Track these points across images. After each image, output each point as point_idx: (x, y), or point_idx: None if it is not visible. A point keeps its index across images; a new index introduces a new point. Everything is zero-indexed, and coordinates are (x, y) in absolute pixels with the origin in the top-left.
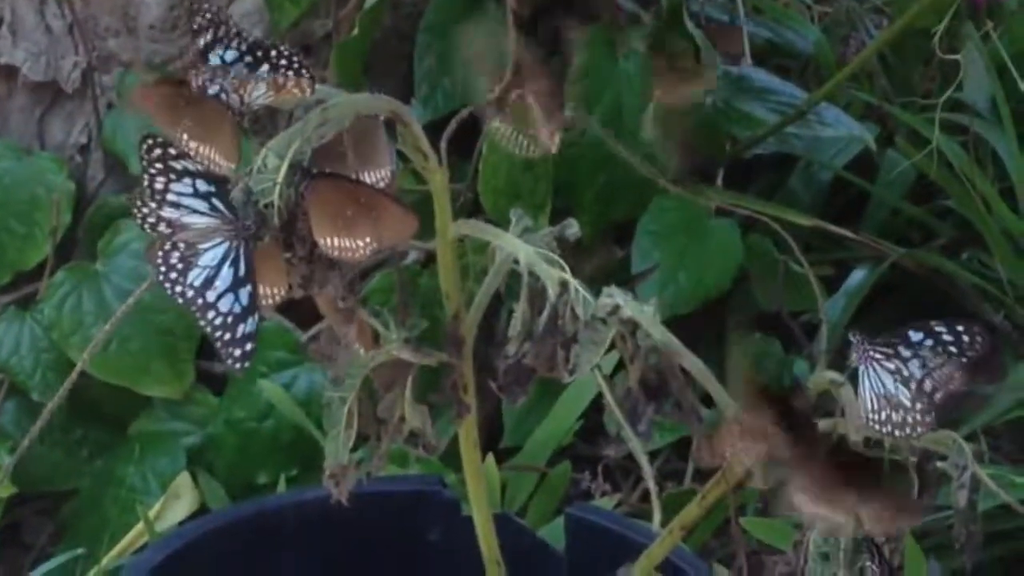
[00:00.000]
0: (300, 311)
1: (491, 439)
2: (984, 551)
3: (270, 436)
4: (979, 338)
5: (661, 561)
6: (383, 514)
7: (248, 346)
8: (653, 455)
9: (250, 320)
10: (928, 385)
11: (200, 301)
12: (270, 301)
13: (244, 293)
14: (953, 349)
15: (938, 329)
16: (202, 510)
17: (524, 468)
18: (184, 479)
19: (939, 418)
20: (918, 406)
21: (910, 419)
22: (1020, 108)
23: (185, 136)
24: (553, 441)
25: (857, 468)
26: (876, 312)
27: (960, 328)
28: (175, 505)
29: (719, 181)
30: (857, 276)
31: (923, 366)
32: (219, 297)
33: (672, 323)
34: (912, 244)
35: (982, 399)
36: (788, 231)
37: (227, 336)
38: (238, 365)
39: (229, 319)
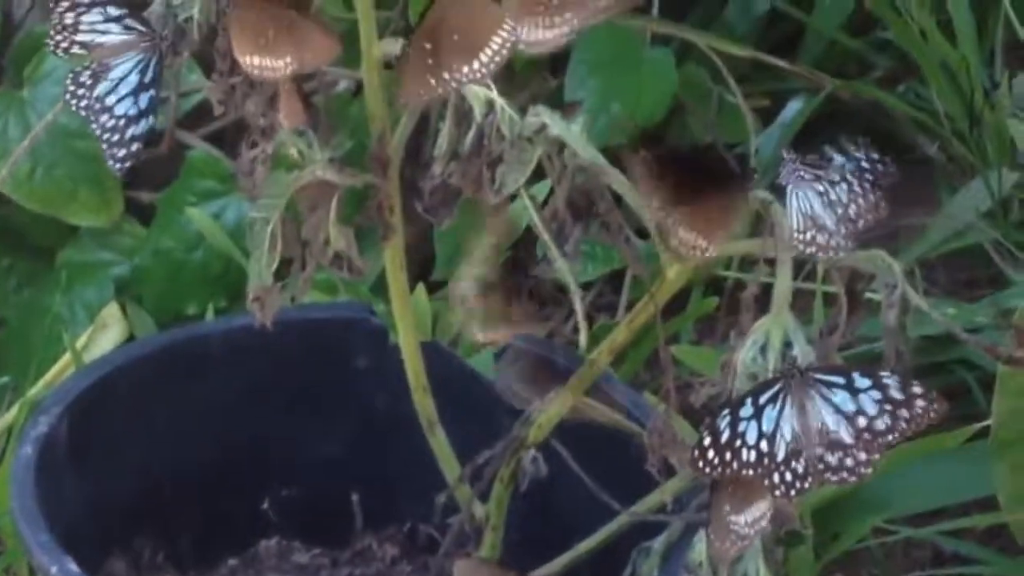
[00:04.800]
0: (230, 141)
1: (423, 272)
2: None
3: (199, 266)
4: (889, 168)
5: (590, 388)
6: (311, 341)
7: (133, 147)
8: (586, 288)
9: (143, 122)
10: (852, 211)
11: (98, 105)
12: None
13: (145, 97)
14: (868, 176)
15: (857, 155)
16: (130, 341)
17: None
18: (112, 309)
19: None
20: (842, 230)
21: (834, 242)
22: None
23: None
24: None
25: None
26: (812, 144)
27: (875, 156)
28: (103, 335)
29: (655, 10)
30: (793, 107)
31: (850, 191)
32: (119, 101)
33: (606, 153)
34: (849, 76)
35: (917, 231)
36: (724, 62)
37: (115, 137)
38: (118, 166)
39: (122, 122)
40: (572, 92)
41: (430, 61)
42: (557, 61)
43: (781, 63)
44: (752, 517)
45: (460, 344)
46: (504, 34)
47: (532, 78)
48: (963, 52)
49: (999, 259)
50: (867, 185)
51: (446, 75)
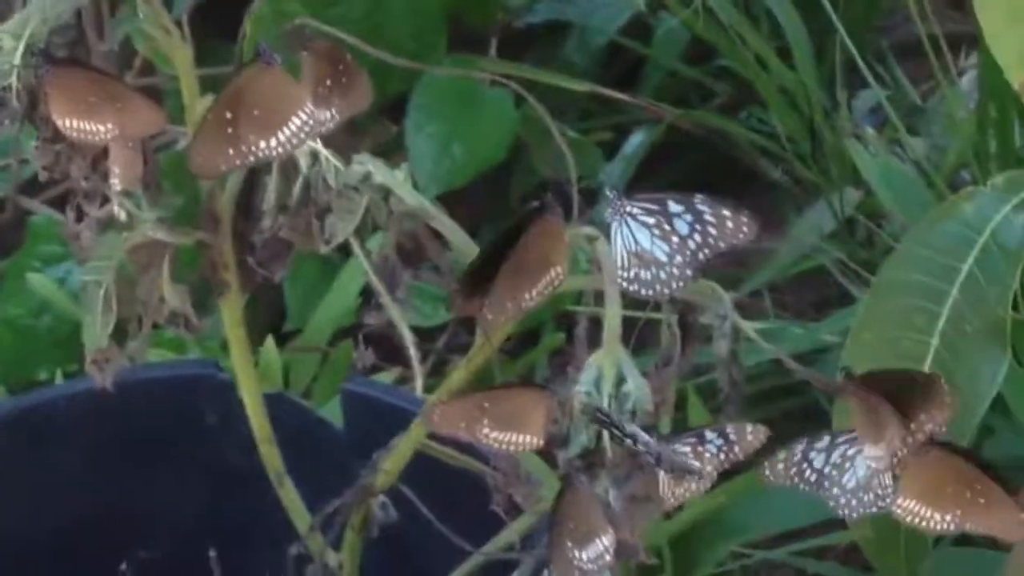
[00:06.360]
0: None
1: (275, 323)
2: (768, 407)
3: (47, 332)
4: (745, 226)
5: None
6: (159, 400)
7: None
8: (440, 329)
9: None
10: (693, 243)
11: None
12: None
13: None
14: (712, 231)
15: (700, 207)
16: None
17: (304, 349)
18: None
19: (719, 276)
20: (676, 259)
21: (663, 275)
22: None
23: None
24: (333, 320)
25: None
26: (657, 175)
27: (726, 212)
28: None
29: (493, 51)
30: (635, 140)
31: (695, 220)
32: None
33: (454, 195)
34: (691, 105)
35: (764, 255)
36: (565, 98)
37: None
38: None
39: None
40: (412, 137)
41: (229, 131)
42: (397, 108)
43: (621, 96)
44: (594, 552)
45: (312, 394)
46: (303, 116)
47: (372, 126)
48: (801, 76)
49: (844, 279)
50: (723, 212)
51: (244, 148)
